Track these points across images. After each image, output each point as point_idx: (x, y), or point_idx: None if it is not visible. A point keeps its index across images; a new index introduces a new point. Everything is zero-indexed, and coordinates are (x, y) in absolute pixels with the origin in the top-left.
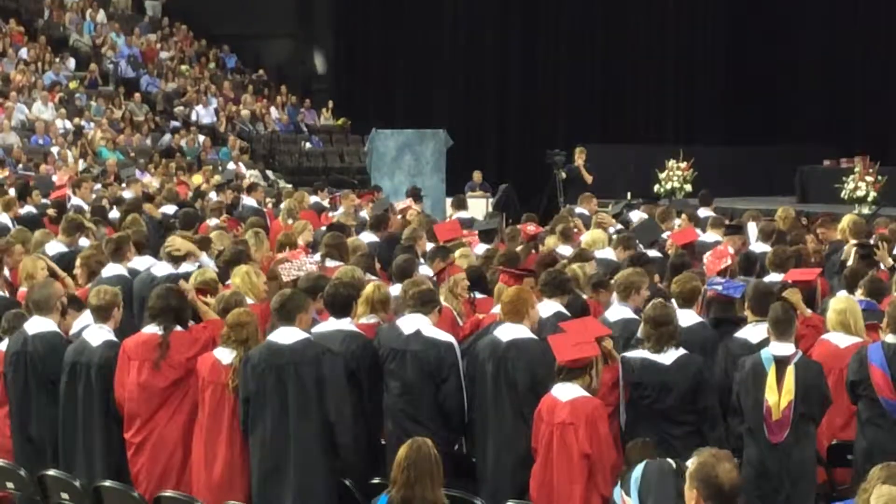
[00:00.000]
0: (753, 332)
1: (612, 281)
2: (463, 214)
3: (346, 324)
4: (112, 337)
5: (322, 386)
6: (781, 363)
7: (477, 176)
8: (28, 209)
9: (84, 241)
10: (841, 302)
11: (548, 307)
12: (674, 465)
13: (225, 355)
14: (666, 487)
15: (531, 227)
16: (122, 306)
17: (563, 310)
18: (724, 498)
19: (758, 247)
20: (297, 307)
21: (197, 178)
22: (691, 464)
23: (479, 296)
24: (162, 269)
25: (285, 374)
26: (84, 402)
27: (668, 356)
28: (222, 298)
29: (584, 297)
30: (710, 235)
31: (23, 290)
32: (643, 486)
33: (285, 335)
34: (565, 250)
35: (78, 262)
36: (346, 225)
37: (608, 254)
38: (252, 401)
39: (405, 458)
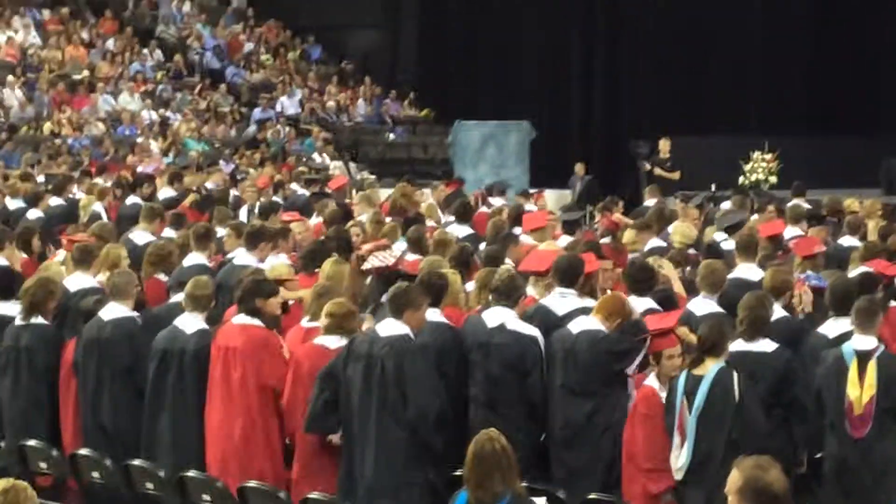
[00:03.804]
0: (833, 326)
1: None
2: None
3: (435, 314)
4: (205, 325)
5: (405, 384)
6: (863, 357)
7: (580, 168)
8: (134, 200)
9: (170, 232)
10: None
11: (637, 304)
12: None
13: (331, 342)
14: None
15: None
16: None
17: (655, 305)
18: None
19: (846, 240)
20: (407, 302)
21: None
22: (733, 479)
23: None
24: (244, 258)
25: (373, 364)
26: (174, 391)
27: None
28: (320, 284)
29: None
30: (791, 230)
31: (101, 277)
32: None
33: (387, 327)
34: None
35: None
36: (423, 216)
37: None
38: (344, 386)
39: (472, 455)
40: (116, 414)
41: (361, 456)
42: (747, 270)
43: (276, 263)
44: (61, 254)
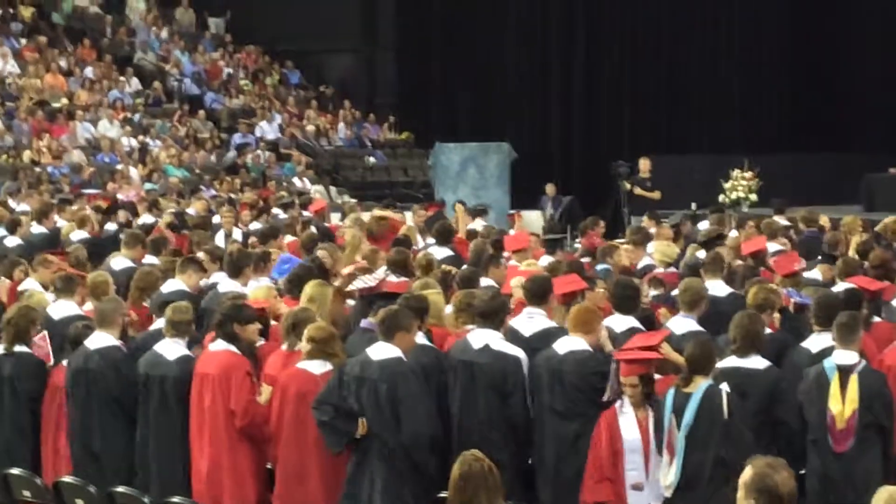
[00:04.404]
0: (817, 341)
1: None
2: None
3: (418, 337)
4: (188, 351)
5: (398, 406)
6: (845, 372)
7: (550, 189)
8: (112, 227)
9: (151, 258)
10: None
11: (621, 322)
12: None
13: (314, 367)
14: None
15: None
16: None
17: (638, 324)
18: None
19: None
20: (397, 325)
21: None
22: (745, 474)
23: None
24: (227, 285)
25: (367, 389)
26: (157, 416)
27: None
28: (291, 314)
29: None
30: (773, 245)
31: (87, 306)
32: None
33: (378, 350)
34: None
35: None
36: (410, 239)
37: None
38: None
39: (458, 475)
40: (105, 441)
41: (361, 476)
42: (714, 286)
43: (258, 287)
44: (30, 281)
